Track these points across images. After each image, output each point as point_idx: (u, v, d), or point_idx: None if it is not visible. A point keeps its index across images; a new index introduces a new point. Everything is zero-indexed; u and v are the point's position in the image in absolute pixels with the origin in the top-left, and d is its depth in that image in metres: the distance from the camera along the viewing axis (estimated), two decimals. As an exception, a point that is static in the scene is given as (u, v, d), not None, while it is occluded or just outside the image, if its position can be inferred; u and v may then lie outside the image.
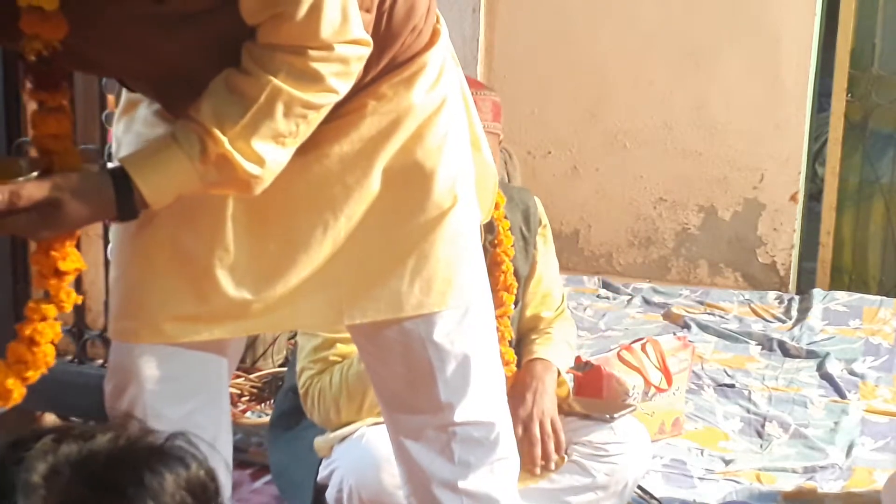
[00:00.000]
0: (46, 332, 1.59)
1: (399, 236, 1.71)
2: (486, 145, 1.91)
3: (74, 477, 0.80)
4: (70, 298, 1.59)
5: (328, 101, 1.54)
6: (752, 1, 4.50)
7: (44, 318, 1.59)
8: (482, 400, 1.81)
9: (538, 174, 4.70)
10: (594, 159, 4.75)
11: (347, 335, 2.15)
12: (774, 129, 4.53)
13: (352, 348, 2.23)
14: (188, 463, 0.85)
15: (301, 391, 2.37)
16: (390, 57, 1.66)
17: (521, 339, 2.54)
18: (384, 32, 1.63)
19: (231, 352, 1.85)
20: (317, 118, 1.54)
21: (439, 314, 1.75)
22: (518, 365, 2.46)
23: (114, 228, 1.80)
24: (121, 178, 1.50)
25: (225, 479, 1.79)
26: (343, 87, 1.54)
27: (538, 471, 2.38)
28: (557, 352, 2.51)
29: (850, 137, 4.66)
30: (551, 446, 2.37)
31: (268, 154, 1.51)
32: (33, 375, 1.58)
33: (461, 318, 1.77)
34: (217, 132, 1.48)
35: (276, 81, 1.48)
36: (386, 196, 1.69)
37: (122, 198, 1.50)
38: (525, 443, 2.33)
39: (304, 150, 1.62)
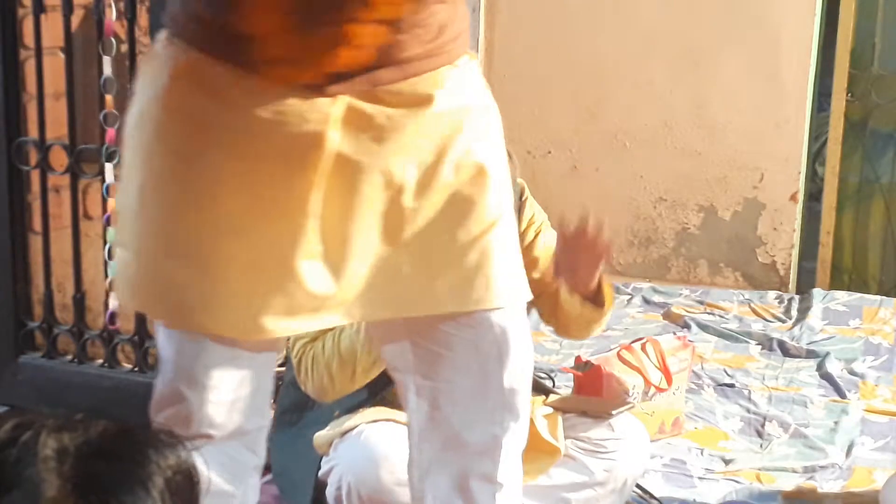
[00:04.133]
0: None
1: (464, 233, 1.74)
2: None
3: (81, 453, 0.83)
4: None
5: None
6: (752, 1, 4.50)
7: None
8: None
9: (538, 174, 4.69)
10: (594, 159, 4.75)
11: None
12: (774, 128, 4.53)
13: None
14: (180, 449, 0.88)
15: (294, 361, 2.35)
16: (455, 31, 1.72)
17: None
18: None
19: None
20: None
21: (500, 310, 1.78)
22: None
23: (169, 223, 1.72)
24: None
25: (256, 482, 1.82)
26: None
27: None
28: None
29: (850, 137, 4.65)
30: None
31: None
32: None
33: (514, 314, 1.82)
34: None
35: None
36: (451, 194, 1.73)
37: None
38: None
39: (378, 143, 1.65)
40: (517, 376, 1.83)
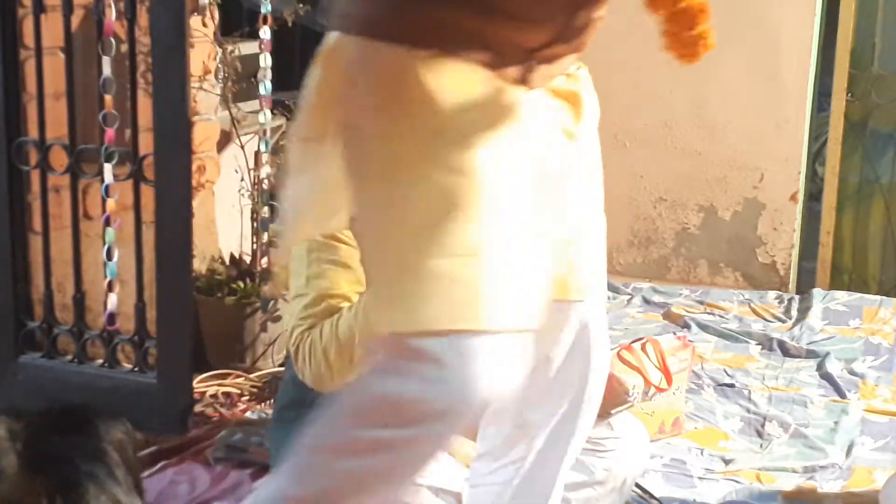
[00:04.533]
0: None
1: (582, 224, 1.87)
2: None
3: (30, 431, 0.84)
4: None
5: None
6: (752, 1, 4.50)
7: None
8: None
9: (538, 174, 4.70)
10: (594, 159, 4.75)
11: (337, 292, 2.19)
12: (774, 128, 4.53)
13: (341, 304, 2.22)
14: (123, 424, 0.89)
15: (292, 349, 2.30)
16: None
17: None
18: None
19: None
20: None
21: (583, 304, 1.89)
22: None
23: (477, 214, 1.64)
24: None
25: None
26: None
27: None
28: None
29: (850, 137, 4.65)
30: None
31: None
32: None
33: (597, 310, 1.92)
34: None
35: None
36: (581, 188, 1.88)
37: None
38: None
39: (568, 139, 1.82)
40: (596, 380, 1.91)
